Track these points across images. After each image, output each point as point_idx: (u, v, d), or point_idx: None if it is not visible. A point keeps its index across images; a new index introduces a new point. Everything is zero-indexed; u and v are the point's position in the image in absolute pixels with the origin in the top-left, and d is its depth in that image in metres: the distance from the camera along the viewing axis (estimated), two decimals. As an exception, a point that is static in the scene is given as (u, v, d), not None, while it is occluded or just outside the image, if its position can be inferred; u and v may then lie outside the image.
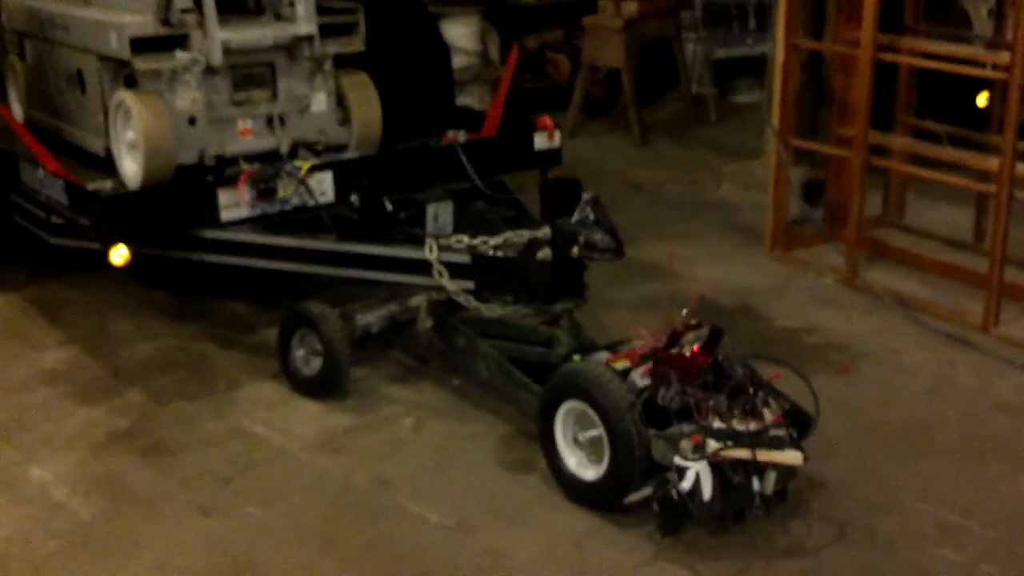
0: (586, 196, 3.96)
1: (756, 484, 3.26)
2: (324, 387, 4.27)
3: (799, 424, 3.41)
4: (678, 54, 8.25)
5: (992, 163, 4.78)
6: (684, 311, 3.63)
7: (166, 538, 3.52)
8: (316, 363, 4.27)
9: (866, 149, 5.14)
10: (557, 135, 5.23)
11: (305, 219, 4.58)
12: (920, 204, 5.93)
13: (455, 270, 4.21)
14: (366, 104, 4.93)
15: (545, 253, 4.03)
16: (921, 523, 3.49)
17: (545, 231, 4.09)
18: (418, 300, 4.30)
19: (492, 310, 4.14)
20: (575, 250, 3.93)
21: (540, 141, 5.18)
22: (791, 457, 3.27)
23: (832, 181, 5.72)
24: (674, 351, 3.47)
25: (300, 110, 4.81)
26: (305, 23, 4.65)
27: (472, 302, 4.16)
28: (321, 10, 4.73)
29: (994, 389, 4.31)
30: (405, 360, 4.57)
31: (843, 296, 5.15)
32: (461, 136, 5.06)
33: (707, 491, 3.21)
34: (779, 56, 5.42)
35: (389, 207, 4.58)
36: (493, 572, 3.34)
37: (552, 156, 5.24)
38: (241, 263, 4.58)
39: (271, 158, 4.72)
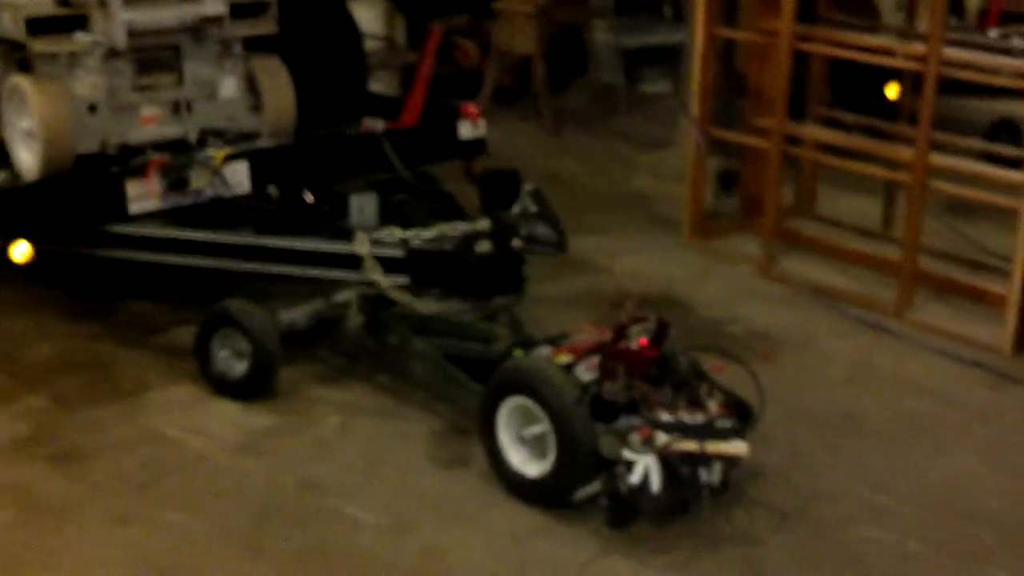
0: (527, 187, 3.92)
1: (703, 475, 3.26)
2: (252, 388, 4.13)
3: (741, 414, 3.42)
4: (588, 42, 8.26)
5: (907, 153, 4.86)
6: (628, 304, 3.57)
7: (83, 548, 3.38)
8: (242, 364, 4.10)
9: (784, 139, 5.20)
10: (482, 123, 5.15)
11: (220, 212, 4.42)
12: (829, 194, 6.02)
13: (388, 265, 4.08)
14: (279, 90, 4.76)
15: (484, 246, 3.95)
16: (852, 506, 3.55)
17: (484, 223, 4.01)
18: (345, 296, 4.19)
19: (427, 306, 4.04)
20: (516, 243, 3.87)
21: (465, 130, 5.10)
22: (737, 448, 3.30)
23: (748, 171, 5.77)
24: (621, 345, 3.43)
25: (208, 96, 4.63)
26: (213, 3, 4.47)
27: (406, 298, 4.05)
28: None
29: (910, 373, 4.40)
30: (328, 358, 4.45)
31: (761, 285, 5.21)
32: (379, 125, 4.94)
33: (656, 484, 3.20)
34: (698, 45, 5.44)
35: (310, 199, 4.47)
36: (432, 572, 3.29)
37: (477, 145, 5.17)
38: (153, 260, 4.40)
39: (178, 147, 4.53)
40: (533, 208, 3.89)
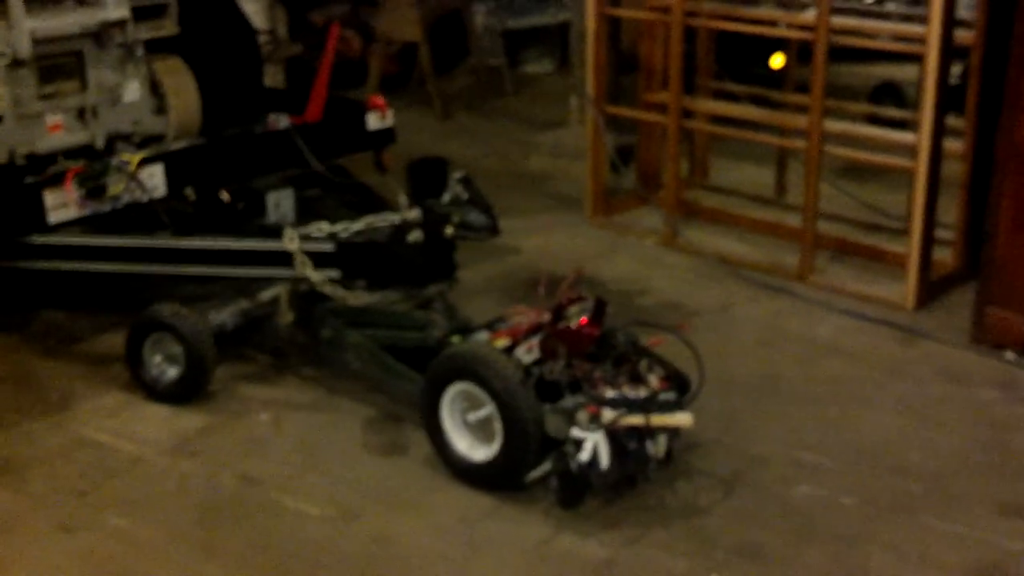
0: (457, 175, 3.91)
1: (650, 448, 3.35)
2: (188, 391, 4.07)
3: (680, 386, 3.49)
4: (469, 25, 8.29)
5: (801, 121, 5.04)
6: (564, 284, 3.62)
7: (31, 559, 3.32)
8: (175, 368, 4.06)
9: (680, 113, 5.32)
10: (390, 114, 5.16)
11: (135, 217, 4.36)
12: (722, 165, 6.20)
13: (318, 259, 4.07)
14: (182, 91, 4.71)
15: (416, 236, 3.95)
16: (785, 466, 3.67)
17: (414, 213, 4.00)
18: (273, 293, 4.16)
19: (359, 298, 4.03)
20: (449, 230, 3.87)
21: (373, 121, 5.10)
22: (681, 419, 3.37)
23: (643, 146, 5.89)
24: (561, 325, 3.48)
25: (112, 101, 4.56)
26: (115, 7, 4.41)
27: (338, 291, 4.03)
28: None
29: (821, 334, 4.57)
30: (254, 356, 4.41)
31: (667, 256, 5.33)
32: (283, 120, 4.90)
33: (605, 460, 3.26)
34: (590, 24, 5.52)
35: (226, 198, 4.41)
36: (385, 559, 3.31)
37: (386, 136, 5.17)
38: (77, 268, 4.33)
39: (86, 153, 4.46)
40: (464, 195, 3.89)
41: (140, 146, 4.61)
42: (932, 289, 4.78)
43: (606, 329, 3.50)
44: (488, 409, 3.46)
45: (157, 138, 4.71)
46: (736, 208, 5.68)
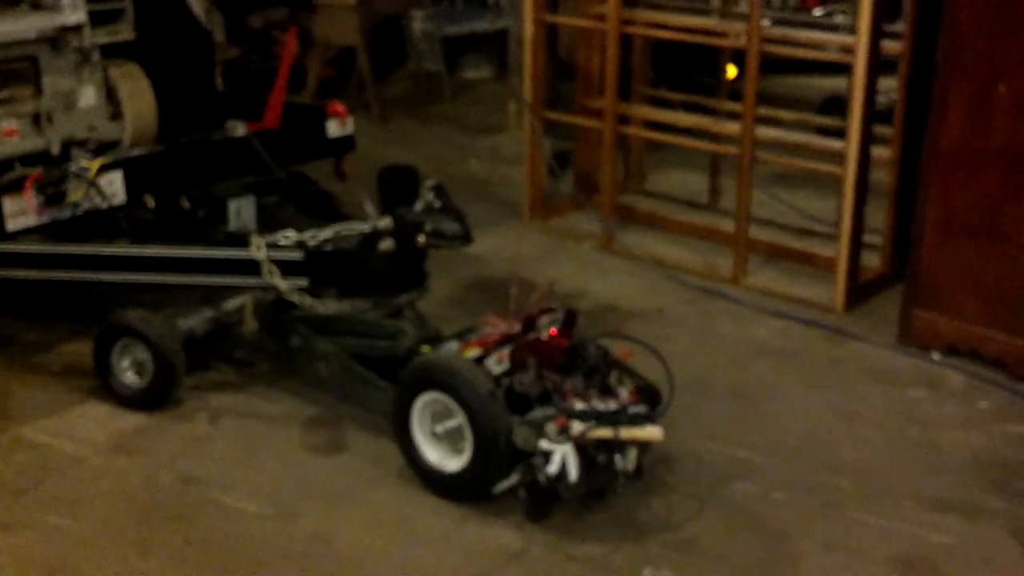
0: (429, 183, 3.85)
1: (619, 461, 3.31)
2: (157, 398, 4.02)
3: (650, 399, 3.47)
4: (407, 31, 8.33)
5: (734, 128, 5.14)
6: (535, 295, 3.63)
7: (-33, 559, 3.30)
8: (145, 374, 4.00)
9: (616, 119, 5.41)
10: (350, 121, 5.13)
11: (93, 224, 4.29)
12: (657, 171, 6.30)
13: (286, 268, 4.00)
14: (138, 96, 4.64)
15: (388, 244, 3.89)
16: (718, 463, 3.75)
17: (385, 221, 3.92)
18: (238, 302, 4.09)
19: (328, 307, 3.98)
20: (421, 239, 3.82)
21: (334, 128, 5.07)
22: (651, 433, 3.33)
23: (580, 151, 5.97)
24: (531, 336, 3.45)
25: (68, 106, 4.49)
26: (72, 11, 4.35)
27: (307, 300, 3.97)
28: None
29: (754, 335, 4.67)
30: (193, 356, 4.34)
31: (603, 260, 5.41)
32: (240, 127, 4.83)
33: (573, 473, 3.23)
34: (528, 31, 5.59)
35: (187, 205, 4.36)
36: (324, 555, 3.33)
37: (346, 143, 5.13)
38: (39, 277, 4.24)
39: (41, 160, 4.39)
40: (436, 203, 3.83)
41: (96, 152, 4.54)
42: (860, 292, 4.91)
43: (576, 341, 3.47)
44: (458, 420, 3.44)
45: (113, 144, 4.65)
46: (671, 213, 5.78)
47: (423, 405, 3.53)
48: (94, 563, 3.28)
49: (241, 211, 4.55)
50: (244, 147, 4.77)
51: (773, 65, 6.82)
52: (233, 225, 4.49)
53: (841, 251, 4.79)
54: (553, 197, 5.98)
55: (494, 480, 3.36)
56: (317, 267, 4.00)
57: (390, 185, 3.92)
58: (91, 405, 4.07)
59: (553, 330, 3.46)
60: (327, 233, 4.06)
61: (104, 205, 4.28)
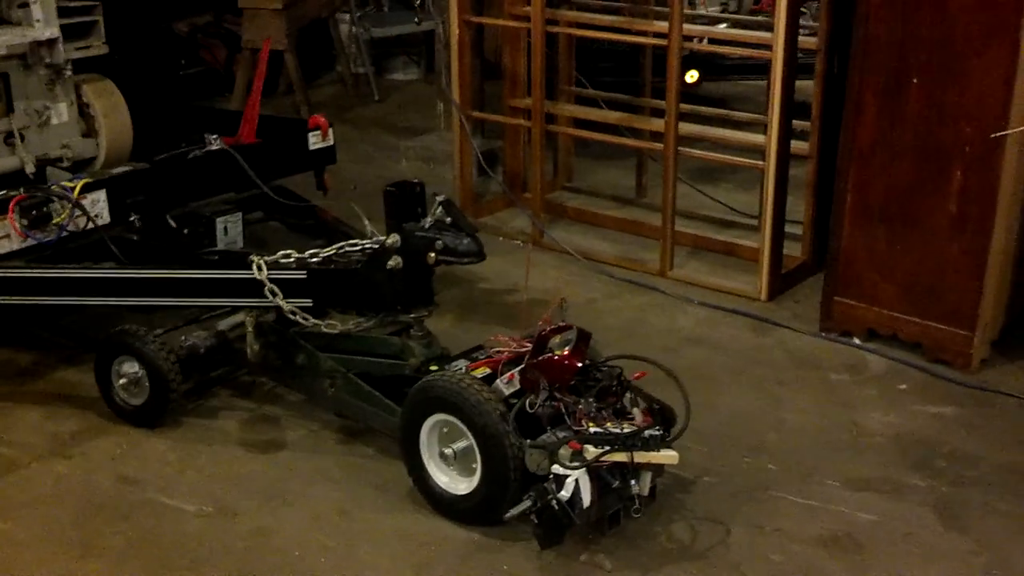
0: (439, 198, 3.69)
1: (634, 486, 3.23)
2: (153, 415, 3.95)
3: (664, 420, 3.38)
4: (334, 34, 8.36)
5: (658, 124, 5.25)
6: (548, 314, 3.53)
7: (-96, 565, 3.29)
8: (142, 391, 3.93)
9: (543, 118, 5.49)
10: (330, 133, 5.07)
11: (76, 247, 4.19)
12: (583, 168, 6.40)
13: (289, 287, 3.84)
14: (113, 112, 4.57)
15: (395, 262, 3.68)
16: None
17: (393, 238, 3.68)
18: (239, 317, 4.01)
19: (332, 327, 3.83)
20: (431, 257, 3.64)
21: (315, 140, 5.02)
22: (667, 457, 3.25)
23: (509, 150, 6.05)
24: (544, 356, 3.34)
25: (40, 124, 4.40)
26: (45, 26, 4.25)
27: (310, 320, 3.82)
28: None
29: (682, 325, 4.78)
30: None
31: (534, 255, 5.49)
32: (216, 141, 4.74)
33: (586, 498, 3.14)
34: (454, 31, 5.66)
35: (172, 224, 4.29)
36: (265, 551, 3.37)
37: (327, 155, 5.08)
38: (27, 302, 4.10)
39: (14, 180, 4.30)
40: (447, 219, 3.66)
41: (71, 170, 4.47)
42: (783, 281, 5.05)
43: (589, 361, 3.39)
44: (466, 442, 3.37)
45: (87, 162, 4.58)
46: (599, 208, 5.88)
47: (431, 426, 3.44)
48: (35, 567, 3.29)
49: (228, 229, 4.47)
50: (225, 163, 4.65)
51: (736, 68, 7.01)
52: (221, 244, 4.40)
53: (764, 242, 4.92)
54: (484, 196, 6.06)
55: (504, 503, 3.27)
56: (321, 286, 3.86)
57: (396, 201, 3.71)
58: (25, 409, 4.07)
59: (566, 350, 3.35)
60: (329, 251, 3.90)
61: (90, 226, 4.16)
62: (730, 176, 5.99)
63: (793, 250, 5.18)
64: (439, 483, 3.47)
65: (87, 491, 3.65)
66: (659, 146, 5.23)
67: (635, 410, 3.36)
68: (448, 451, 3.42)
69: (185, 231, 4.39)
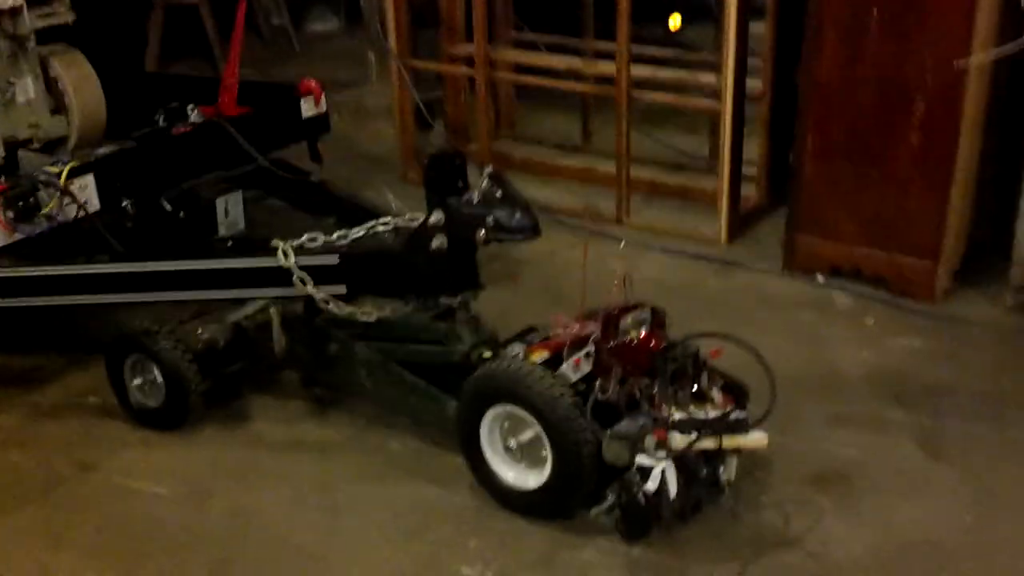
0: (487, 169, 3.40)
1: (721, 473, 3.06)
2: (174, 418, 3.66)
3: (738, 398, 3.15)
4: (251, -12, 8.07)
5: (608, 68, 5.13)
6: (616, 288, 3.27)
7: None
8: (159, 391, 3.64)
9: (487, 65, 5.35)
10: (323, 99, 4.73)
11: (62, 239, 3.83)
12: (525, 115, 6.27)
13: (319, 274, 3.51)
14: (84, 86, 4.22)
15: (440, 242, 3.38)
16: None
17: (437, 216, 3.38)
18: (248, 309, 3.73)
19: (369, 314, 3.53)
20: (481, 235, 3.32)
21: (307, 107, 4.67)
22: (757, 440, 3.05)
23: (450, 100, 5.89)
24: (621, 340, 3.11)
25: (4, 102, 4.06)
26: None
27: (344, 309, 3.51)
28: None
29: (646, 271, 4.68)
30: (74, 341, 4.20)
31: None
32: (194, 114, 4.40)
33: (673, 488, 2.94)
34: (389, -19, 5.47)
35: (168, 208, 3.99)
36: (246, 531, 3.23)
37: (322, 123, 4.75)
38: (26, 304, 3.79)
39: None
40: (496, 192, 3.33)
41: (41, 152, 4.15)
42: (742, 222, 5.00)
43: (666, 342, 3.13)
44: (531, 432, 3.14)
45: (58, 142, 4.26)
46: (547, 157, 5.77)
47: (493, 419, 3.21)
48: (4, 564, 3.11)
49: (229, 210, 4.17)
50: (217, 137, 4.30)
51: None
52: (223, 227, 4.12)
53: (722, 184, 4.86)
54: (426, 150, 5.89)
55: (579, 496, 3.11)
56: (355, 272, 3.54)
57: (437, 174, 3.39)
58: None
59: (643, 332, 3.12)
60: (358, 232, 3.63)
61: (80, 215, 3.81)
62: (675, 119, 5.90)
63: (748, 190, 5.13)
64: (506, 479, 3.23)
65: (48, 480, 3.47)
66: (610, 90, 5.12)
67: (714, 391, 3.13)
68: (513, 444, 3.19)
69: (182, 214, 4.08)
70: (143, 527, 3.25)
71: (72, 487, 3.44)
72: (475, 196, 3.34)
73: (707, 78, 5.03)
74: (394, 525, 3.23)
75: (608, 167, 5.28)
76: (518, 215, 3.32)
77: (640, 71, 5.07)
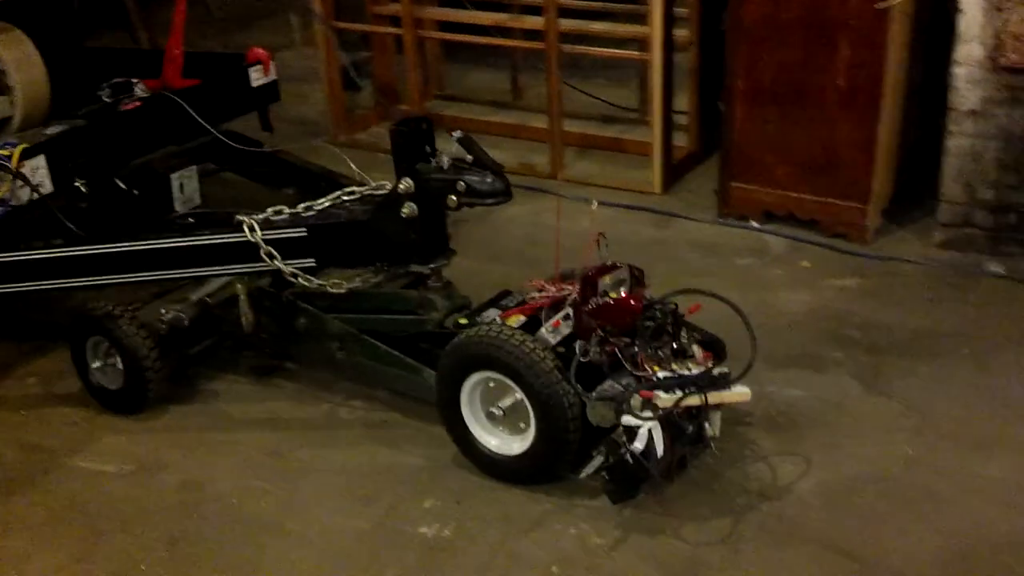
0: (456, 134, 3.33)
1: (707, 429, 3.02)
2: (133, 402, 3.58)
3: (715, 352, 3.13)
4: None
5: (537, 22, 5.12)
6: (593, 250, 3.23)
7: None
8: (118, 375, 3.55)
9: (414, 24, 5.30)
10: (272, 66, 4.62)
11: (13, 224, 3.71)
12: (451, 73, 6.24)
13: (287, 248, 3.42)
14: (27, 65, 4.10)
15: (411, 209, 3.31)
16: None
17: (406, 183, 3.29)
18: (210, 287, 3.66)
19: (339, 286, 3.45)
20: (452, 200, 3.27)
21: (256, 76, 4.57)
22: (740, 395, 3.03)
23: (377, 61, 5.84)
24: (602, 300, 3.06)
25: None
26: None
27: (314, 282, 3.43)
28: None
29: (581, 226, 4.57)
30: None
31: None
32: (140, 87, 4.30)
33: (660, 447, 2.89)
34: (311, -59, 5.40)
35: (122, 186, 3.88)
36: (200, 502, 3.22)
37: (271, 91, 4.65)
38: (9, 290, 3.72)
39: None
40: (467, 157, 3.27)
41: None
42: (675, 172, 5.03)
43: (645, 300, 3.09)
44: (513, 398, 3.10)
45: (1, 124, 4.14)
46: (477, 114, 5.76)
47: (473, 386, 3.16)
48: (-46, 550, 3.07)
49: (184, 185, 4.09)
50: (168, 111, 4.18)
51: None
52: (178, 204, 4.03)
53: (655, 135, 4.88)
54: (355, 111, 5.85)
55: (563, 460, 3.07)
56: (324, 243, 3.44)
57: (405, 141, 3.31)
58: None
59: (624, 292, 3.08)
60: (323, 203, 3.51)
61: (35, 197, 3.69)
62: (604, 72, 5.91)
63: (679, 140, 5.16)
64: (489, 446, 3.19)
65: (-7, 464, 3.42)
66: (539, 45, 5.11)
67: (694, 347, 3.10)
68: (496, 411, 3.13)
69: (136, 192, 3.99)
70: (95, 506, 3.22)
71: (20, 470, 3.39)
72: (444, 161, 3.28)
73: (635, 29, 5.04)
74: (348, 490, 3.23)
75: (540, 122, 5.28)
76: (489, 179, 3.26)
77: (568, 24, 5.06)
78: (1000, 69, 4.03)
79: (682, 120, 5.18)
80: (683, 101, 5.15)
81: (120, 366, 3.53)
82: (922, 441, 3.29)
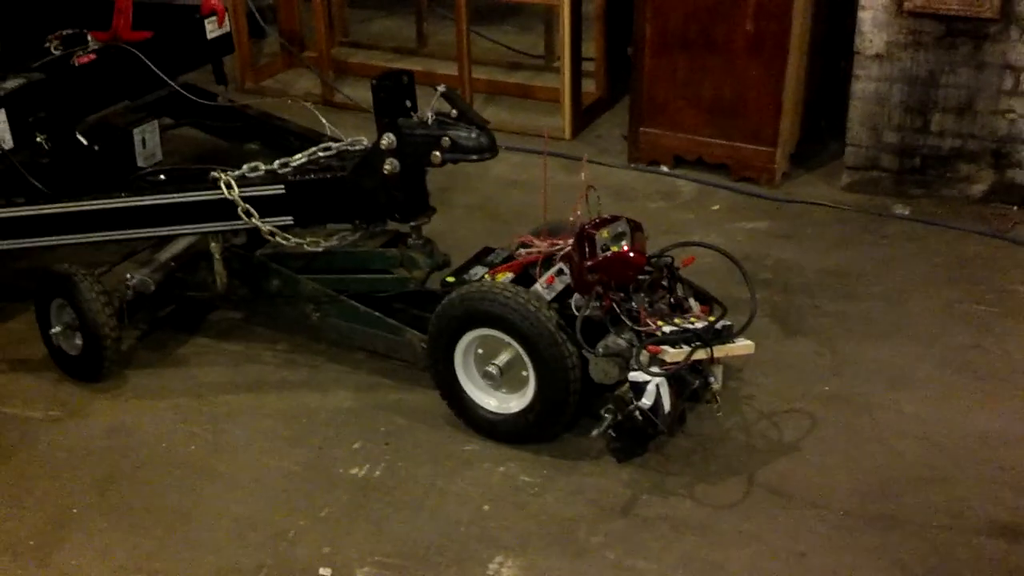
0: (440, 88, 3.21)
1: (712, 382, 2.95)
2: (91, 368, 3.45)
3: (711, 306, 3.10)
4: None
5: (446, -33, 5.12)
6: (583, 203, 3.17)
7: None
8: (78, 339, 3.43)
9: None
10: (227, 18, 4.49)
11: None
12: (356, 20, 6.18)
13: (265, 206, 3.32)
14: None
15: (392, 165, 3.22)
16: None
17: (388, 139, 3.21)
18: (176, 249, 3.56)
19: (315, 244, 3.38)
20: (436, 156, 3.19)
21: (211, 28, 4.44)
22: (745, 347, 2.95)
23: (282, 7, 5.75)
24: (604, 254, 2.95)
25: None
26: None
27: (291, 241, 3.34)
28: None
29: (496, 172, 4.72)
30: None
31: (328, 114, 5.20)
32: (91, 41, 4.10)
33: (667, 402, 2.84)
34: None
35: (84, 142, 3.74)
36: (128, 447, 3.19)
37: (225, 43, 4.54)
38: None
39: None
40: (451, 112, 3.18)
41: None
42: (584, 118, 5.10)
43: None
44: (508, 355, 3.04)
45: None
46: (384, 61, 5.72)
47: (467, 345, 3.09)
48: None
49: (146, 140, 3.97)
50: (124, 63, 4.04)
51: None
52: (140, 158, 3.91)
53: (564, 81, 4.93)
54: (259, 59, 5.77)
55: (565, 415, 3.03)
56: (302, 201, 3.34)
57: (386, 95, 3.20)
58: None
59: (625, 246, 2.97)
60: (299, 159, 3.40)
61: None
62: (510, 18, 5.93)
63: (588, 86, 5.22)
64: (487, 406, 3.14)
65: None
66: (448, -8, 5.11)
67: (691, 301, 3.07)
68: (492, 369, 3.06)
69: (96, 148, 3.87)
70: (24, 454, 3.18)
71: (-64, 420, 3.33)
72: (428, 116, 3.20)
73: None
74: (277, 432, 3.24)
75: (447, 69, 5.28)
76: (475, 134, 3.17)
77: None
78: (905, 13, 4.17)
79: (589, 67, 5.23)
80: (590, 48, 5.20)
81: (78, 333, 3.44)
82: (838, 380, 3.40)
